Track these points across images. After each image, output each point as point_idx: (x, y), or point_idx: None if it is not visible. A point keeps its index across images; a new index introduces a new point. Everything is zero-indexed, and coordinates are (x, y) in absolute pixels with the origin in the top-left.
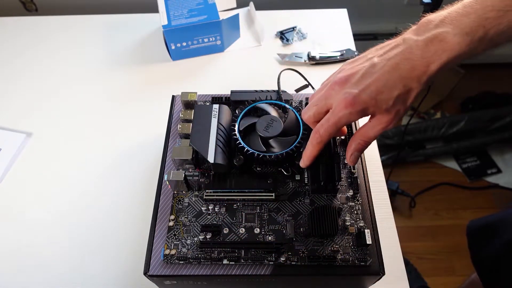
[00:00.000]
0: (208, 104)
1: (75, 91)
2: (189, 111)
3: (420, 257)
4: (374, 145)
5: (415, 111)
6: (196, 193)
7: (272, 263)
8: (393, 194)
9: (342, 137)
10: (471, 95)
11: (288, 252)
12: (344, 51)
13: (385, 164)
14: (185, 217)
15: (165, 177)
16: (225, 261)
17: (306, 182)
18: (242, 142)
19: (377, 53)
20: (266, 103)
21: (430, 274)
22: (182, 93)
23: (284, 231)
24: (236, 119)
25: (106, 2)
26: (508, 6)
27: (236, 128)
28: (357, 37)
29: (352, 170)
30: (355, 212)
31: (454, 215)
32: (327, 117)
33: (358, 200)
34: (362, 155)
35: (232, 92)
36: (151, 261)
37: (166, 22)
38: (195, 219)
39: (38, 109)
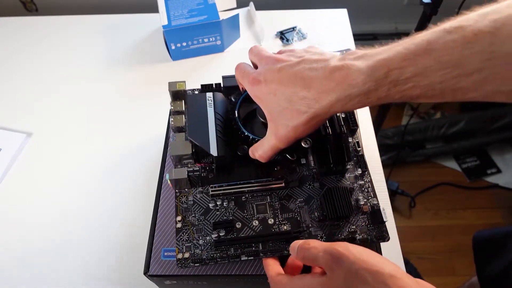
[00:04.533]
0: (199, 92)
1: (75, 91)
2: (179, 102)
3: (420, 257)
4: (374, 145)
5: (415, 111)
6: (200, 189)
7: None
8: (393, 194)
9: (343, 115)
10: None
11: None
12: (344, 51)
13: (385, 164)
14: (193, 216)
15: (167, 177)
16: (243, 257)
17: (312, 165)
18: (245, 131)
19: (307, 56)
20: None
21: (430, 274)
22: (169, 83)
23: (298, 218)
24: (235, 107)
25: (106, 2)
26: (419, 51)
27: (236, 117)
28: (357, 37)
29: (358, 148)
30: (366, 190)
31: (454, 215)
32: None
33: (367, 178)
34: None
35: (224, 77)
36: (151, 261)
37: (166, 22)
38: (203, 217)
39: (38, 109)
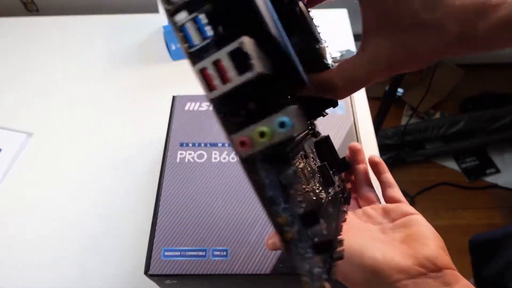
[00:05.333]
0: None
1: (75, 91)
2: None
3: None
4: (374, 145)
5: (415, 111)
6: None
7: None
8: None
9: None
10: (471, 95)
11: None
12: (344, 52)
13: None
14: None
15: (277, 123)
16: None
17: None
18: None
19: None
20: None
21: None
22: None
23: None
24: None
25: (106, 2)
26: None
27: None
28: (357, 37)
29: None
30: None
31: (454, 215)
32: None
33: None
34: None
35: None
36: (152, 260)
37: (166, 22)
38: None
39: (38, 109)
